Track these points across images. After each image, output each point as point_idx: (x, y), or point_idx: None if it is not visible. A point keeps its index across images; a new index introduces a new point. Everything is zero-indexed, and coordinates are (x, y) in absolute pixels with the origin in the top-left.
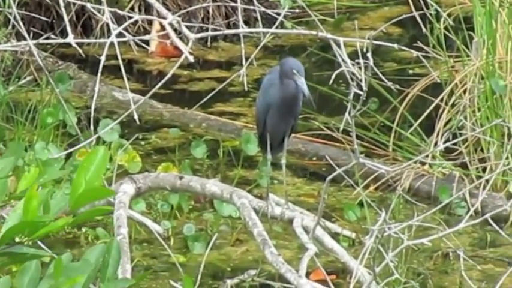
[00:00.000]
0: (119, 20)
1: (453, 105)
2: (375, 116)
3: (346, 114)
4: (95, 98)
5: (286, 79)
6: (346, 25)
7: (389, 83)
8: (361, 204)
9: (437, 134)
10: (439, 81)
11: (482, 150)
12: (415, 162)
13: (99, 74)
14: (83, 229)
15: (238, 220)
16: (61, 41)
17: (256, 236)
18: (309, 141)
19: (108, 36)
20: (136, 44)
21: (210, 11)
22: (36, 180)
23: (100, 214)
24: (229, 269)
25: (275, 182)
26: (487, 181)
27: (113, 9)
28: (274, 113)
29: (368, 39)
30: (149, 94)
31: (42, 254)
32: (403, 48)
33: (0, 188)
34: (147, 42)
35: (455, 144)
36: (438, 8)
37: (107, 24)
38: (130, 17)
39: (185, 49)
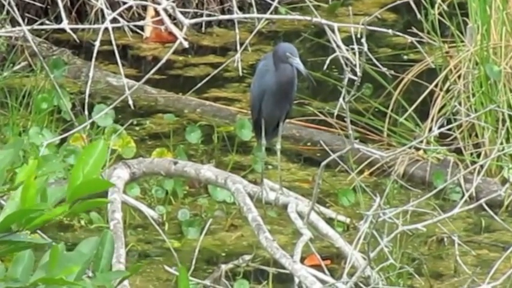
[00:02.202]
0: (113, 5)
1: (447, 90)
2: (369, 101)
3: (341, 99)
4: (89, 83)
5: (282, 64)
6: (340, 11)
7: (384, 69)
8: (355, 189)
9: (432, 120)
10: (433, 66)
11: (476, 135)
12: (410, 148)
13: (93, 60)
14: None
15: (233, 205)
16: (55, 26)
17: (251, 221)
18: (303, 127)
19: (103, 22)
20: (131, 30)
21: None
22: (35, 173)
23: (97, 206)
24: (223, 254)
25: (269, 167)
26: (482, 166)
27: None
28: (269, 98)
29: (362, 24)
30: (143, 79)
31: (39, 242)
32: (398, 33)
33: None
34: (141, 27)
35: (449, 129)
36: None
37: (102, 10)
38: (124, 3)
39: (179, 35)
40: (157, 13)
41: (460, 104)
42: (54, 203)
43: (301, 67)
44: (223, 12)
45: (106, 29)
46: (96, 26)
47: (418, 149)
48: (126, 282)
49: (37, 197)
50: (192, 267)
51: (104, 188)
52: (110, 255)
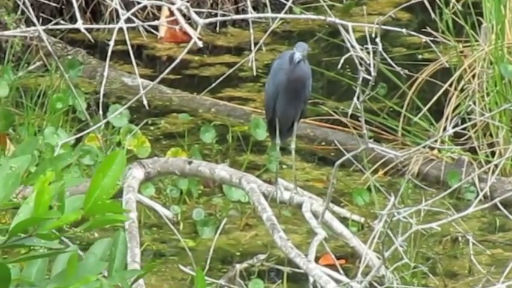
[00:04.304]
0: (127, 5)
1: (462, 90)
2: (384, 101)
3: (355, 99)
4: (104, 83)
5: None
6: (354, 10)
7: (398, 68)
8: (369, 189)
9: (446, 119)
10: (447, 66)
11: (491, 135)
12: (424, 147)
13: (108, 60)
14: None
15: (247, 205)
16: (70, 26)
17: (265, 221)
18: (317, 126)
19: (117, 22)
20: (145, 30)
21: None
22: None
23: (112, 223)
24: (238, 253)
25: (284, 166)
26: (496, 166)
27: None
28: (283, 97)
29: (377, 24)
30: (158, 79)
31: (51, 247)
32: (412, 33)
33: (12, 183)
34: (156, 27)
35: (464, 129)
36: None
37: (116, 10)
38: (139, 3)
39: (194, 34)
40: (171, 13)
41: (474, 103)
42: (71, 211)
43: (296, 56)
44: (237, 12)
45: (121, 28)
46: (110, 26)
47: (432, 148)
48: (141, 281)
49: (53, 201)
50: (207, 267)
51: (117, 211)
52: (123, 256)
